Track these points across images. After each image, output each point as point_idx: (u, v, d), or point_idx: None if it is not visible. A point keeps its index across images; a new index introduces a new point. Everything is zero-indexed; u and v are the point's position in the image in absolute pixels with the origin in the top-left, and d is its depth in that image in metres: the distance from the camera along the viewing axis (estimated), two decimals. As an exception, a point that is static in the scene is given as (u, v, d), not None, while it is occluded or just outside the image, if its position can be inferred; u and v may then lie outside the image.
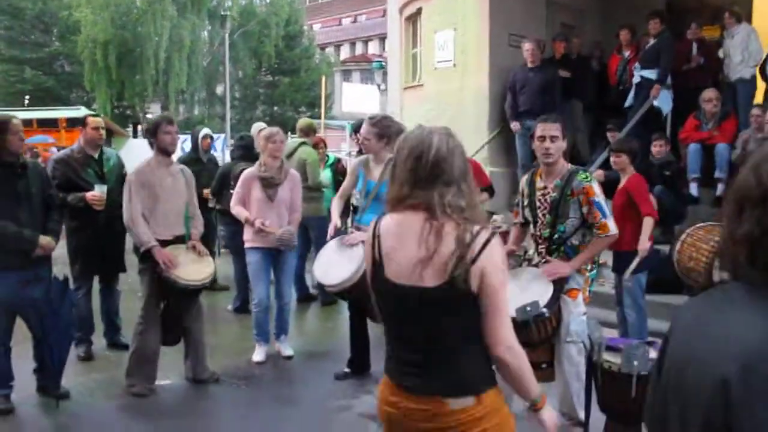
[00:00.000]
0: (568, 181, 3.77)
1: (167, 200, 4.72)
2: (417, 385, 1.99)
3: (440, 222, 1.93)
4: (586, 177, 3.78)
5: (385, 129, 4.63)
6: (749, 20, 7.86)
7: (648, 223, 5.02)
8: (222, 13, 28.07)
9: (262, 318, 5.44)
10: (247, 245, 5.39)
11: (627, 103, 8.15)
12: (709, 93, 7.25)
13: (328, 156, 7.80)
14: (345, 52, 48.87)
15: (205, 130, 7.69)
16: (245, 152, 6.88)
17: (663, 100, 7.81)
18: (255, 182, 5.29)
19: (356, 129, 7.62)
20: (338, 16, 51.02)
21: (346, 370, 5.05)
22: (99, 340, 5.63)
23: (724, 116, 7.25)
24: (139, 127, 35.47)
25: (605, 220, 3.74)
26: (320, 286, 5.42)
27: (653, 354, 3.39)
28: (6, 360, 4.45)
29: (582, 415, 3.65)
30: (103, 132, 5.43)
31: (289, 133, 10.71)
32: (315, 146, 7.31)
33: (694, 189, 7.21)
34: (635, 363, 3.27)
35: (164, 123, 4.75)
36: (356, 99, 22.27)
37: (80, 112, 21.61)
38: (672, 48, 7.82)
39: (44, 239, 4.38)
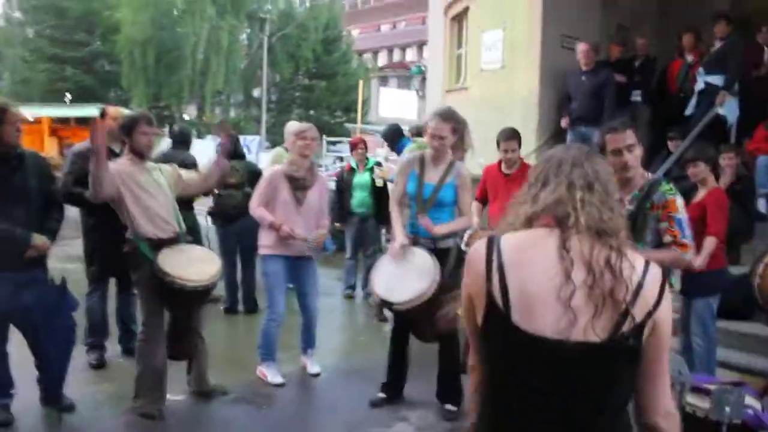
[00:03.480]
0: (648, 192, 3.19)
1: (155, 198, 4.20)
2: None
3: (578, 243, 1.48)
4: (671, 189, 3.19)
5: (458, 122, 4.17)
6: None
7: (710, 243, 4.45)
8: (261, 15, 28.00)
9: (275, 333, 4.89)
10: (264, 251, 4.85)
11: (688, 112, 7.52)
12: (783, 102, 6.65)
13: (368, 159, 7.68)
14: (383, 59, 48.59)
15: None
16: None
17: (729, 109, 7.17)
18: (282, 183, 4.78)
19: (385, 137, 7.30)
20: (377, 23, 50.80)
21: (381, 395, 4.54)
22: (113, 347, 5.26)
23: (798, 127, 6.65)
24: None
25: (686, 241, 3.16)
26: (382, 304, 4.59)
27: (749, 400, 2.87)
28: (4, 367, 4.04)
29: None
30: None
31: (324, 136, 10.47)
32: (354, 146, 7.30)
33: (763, 205, 6.60)
34: (727, 409, 2.74)
35: (142, 122, 4.20)
36: (394, 104, 21.77)
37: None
38: (741, 52, 7.18)
39: (39, 238, 3.91)
